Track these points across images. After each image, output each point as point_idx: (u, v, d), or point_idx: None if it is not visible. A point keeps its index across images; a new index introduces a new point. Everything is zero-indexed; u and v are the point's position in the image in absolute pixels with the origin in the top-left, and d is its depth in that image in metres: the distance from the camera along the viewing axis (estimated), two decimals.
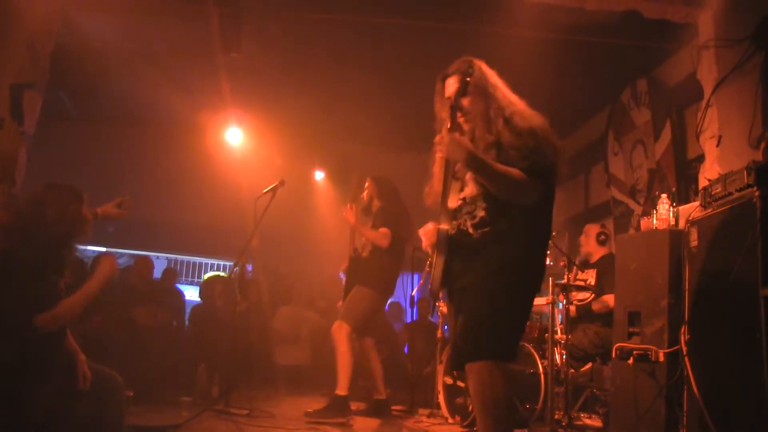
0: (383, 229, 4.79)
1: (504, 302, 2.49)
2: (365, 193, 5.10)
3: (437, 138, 2.56)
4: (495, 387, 2.41)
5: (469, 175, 2.62)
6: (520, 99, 2.64)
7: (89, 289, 2.77)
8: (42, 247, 2.70)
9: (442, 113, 2.69)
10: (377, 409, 4.92)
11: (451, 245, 2.53)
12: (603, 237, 5.14)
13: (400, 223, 4.89)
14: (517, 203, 2.49)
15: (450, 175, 2.60)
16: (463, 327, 2.51)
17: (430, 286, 2.61)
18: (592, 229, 5.22)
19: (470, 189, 2.61)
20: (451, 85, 2.66)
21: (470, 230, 2.54)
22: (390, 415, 4.97)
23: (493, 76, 2.66)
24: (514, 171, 2.43)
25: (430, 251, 2.69)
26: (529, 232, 2.54)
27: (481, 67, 2.64)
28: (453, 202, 2.62)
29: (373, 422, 4.78)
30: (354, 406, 4.81)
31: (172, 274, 7.31)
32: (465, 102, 2.59)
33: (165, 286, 6.67)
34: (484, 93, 2.61)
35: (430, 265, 2.63)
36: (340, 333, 4.64)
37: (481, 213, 2.53)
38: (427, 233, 2.69)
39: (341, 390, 4.54)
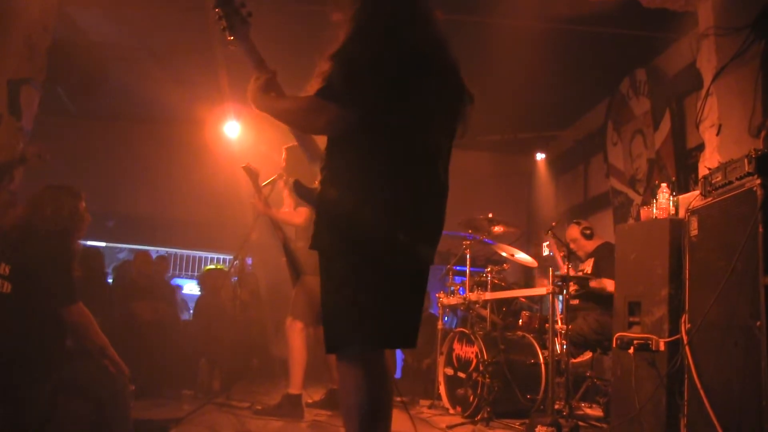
0: (300, 209, 4.42)
1: (342, 272, 1.89)
2: (283, 165, 4.64)
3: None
4: (358, 389, 1.83)
5: None
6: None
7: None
8: (44, 244, 2.74)
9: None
10: (332, 400, 4.58)
11: (312, 200, 2.07)
12: (588, 231, 5.10)
13: None
14: (313, 132, 2.17)
15: None
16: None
17: None
18: (574, 231, 5.15)
19: None
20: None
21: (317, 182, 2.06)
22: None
23: None
24: (294, 96, 2.06)
25: None
26: (359, 172, 1.93)
27: None
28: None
29: None
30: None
31: (164, 263, 7.27)
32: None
33: (159, 276, 6.65)
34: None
35: None
36: (293, 330, 4.38)
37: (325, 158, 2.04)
38: None
39: (294, 389, 4.31)
